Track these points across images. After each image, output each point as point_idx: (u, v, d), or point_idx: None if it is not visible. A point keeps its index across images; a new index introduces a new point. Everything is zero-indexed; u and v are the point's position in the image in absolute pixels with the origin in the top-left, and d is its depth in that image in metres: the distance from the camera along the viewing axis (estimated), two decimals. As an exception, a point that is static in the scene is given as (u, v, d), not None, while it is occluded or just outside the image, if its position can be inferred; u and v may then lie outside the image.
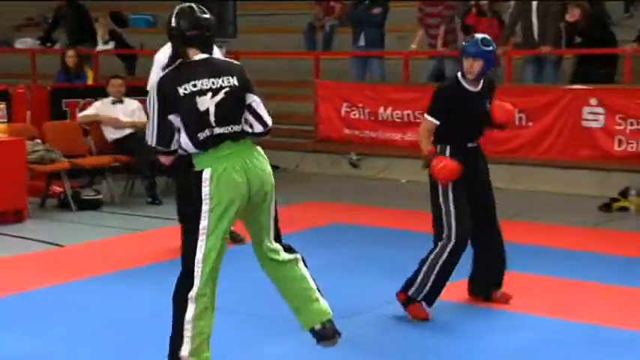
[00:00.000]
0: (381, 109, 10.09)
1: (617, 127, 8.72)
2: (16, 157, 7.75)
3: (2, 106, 8.68)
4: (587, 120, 8.90)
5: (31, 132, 8.61)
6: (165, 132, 3.69)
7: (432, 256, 4.80)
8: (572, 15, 9.20)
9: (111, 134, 8.84)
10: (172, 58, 3.78)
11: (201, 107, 3.67)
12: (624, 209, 8.14)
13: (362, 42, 10.78)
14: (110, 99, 8.95)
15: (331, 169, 10.56)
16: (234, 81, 3.77)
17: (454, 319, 4.91)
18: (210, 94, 3.68)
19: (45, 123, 8.95)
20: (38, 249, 6.72)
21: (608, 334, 4.67)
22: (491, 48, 4.82)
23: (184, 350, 3.64)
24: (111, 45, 12.58)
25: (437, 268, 4.77)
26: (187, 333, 3.64)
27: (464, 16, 10.16)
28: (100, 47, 12.49)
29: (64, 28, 13.37)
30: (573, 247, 6.67)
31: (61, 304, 5.24)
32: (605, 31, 9.46)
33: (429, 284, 4.78)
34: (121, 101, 8.96)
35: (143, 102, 9.09)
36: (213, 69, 3.75)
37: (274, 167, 12.91)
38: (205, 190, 3.65)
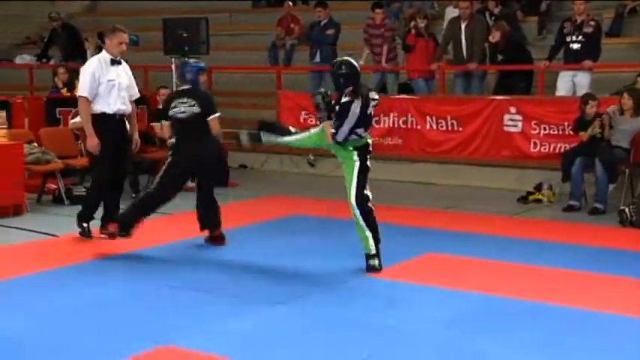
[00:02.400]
0: (334, 116, 10.06)
1: (533, 132, 8.82)
2: (16, 158, 7.60)
3: (3, 114, 8.56)
4: (507, 126, 9.00)
5: (28, 137, 8.43)
6: (350, 135, 5.29)
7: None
8: (494, 36, 9.29)
9: (99, 138, 8.67)
10: (354, 91, 5.27)
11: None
12: (538, 201, 8.24)
13: (318, 58, 10.76)
14: (98, 108, 8.78)
15: (292, 168, 10.51)
16: None
17: (392, 295, 4.88)
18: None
19: (41, 129, 8.74)
20: (35, 239, 6.58)
21: (524, 305, 4.69)
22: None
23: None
24: (99, 61, 12.35)
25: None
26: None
27: (404, 37, 10.19)
28: (90, 63, 12.26)
29: (58, 47, 13.14)
30: (496, 233, 6.73)
31: (54, 286, 5.11)
32: (522, 50, 9.57)
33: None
34: (108, 110, 8.79)
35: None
36: None
37: (243, 166, 12.70)
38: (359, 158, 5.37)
